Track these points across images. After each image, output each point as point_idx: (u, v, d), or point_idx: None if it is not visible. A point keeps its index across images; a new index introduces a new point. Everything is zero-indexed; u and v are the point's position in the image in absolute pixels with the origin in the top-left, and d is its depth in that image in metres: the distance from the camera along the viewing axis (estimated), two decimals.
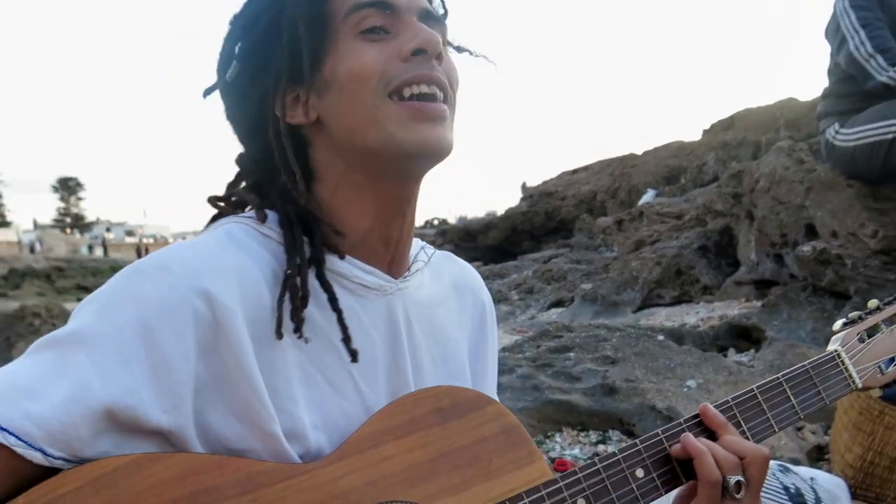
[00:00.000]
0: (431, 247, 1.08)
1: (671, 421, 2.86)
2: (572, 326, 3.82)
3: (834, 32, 3.60)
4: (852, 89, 3.57)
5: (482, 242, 10.58)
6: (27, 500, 0.70)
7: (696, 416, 0.99)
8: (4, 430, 0.70)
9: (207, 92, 0.96)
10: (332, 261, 0.89)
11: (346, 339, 0.88)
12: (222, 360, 0.79)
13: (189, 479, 0.74)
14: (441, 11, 0.96)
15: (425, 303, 1.00)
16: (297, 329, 0.84)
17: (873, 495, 2.33)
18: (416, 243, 1.04)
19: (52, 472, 0.72)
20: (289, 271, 0.84)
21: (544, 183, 11.50)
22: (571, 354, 3.43)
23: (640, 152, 9.58)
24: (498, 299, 5.68)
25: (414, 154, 0.87)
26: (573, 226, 8.40)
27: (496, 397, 1.12)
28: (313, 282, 0.87)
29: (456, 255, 1.14)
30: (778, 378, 1.06)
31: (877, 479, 2.31)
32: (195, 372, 0.77)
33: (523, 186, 12.13)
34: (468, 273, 1.13)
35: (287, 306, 0.83)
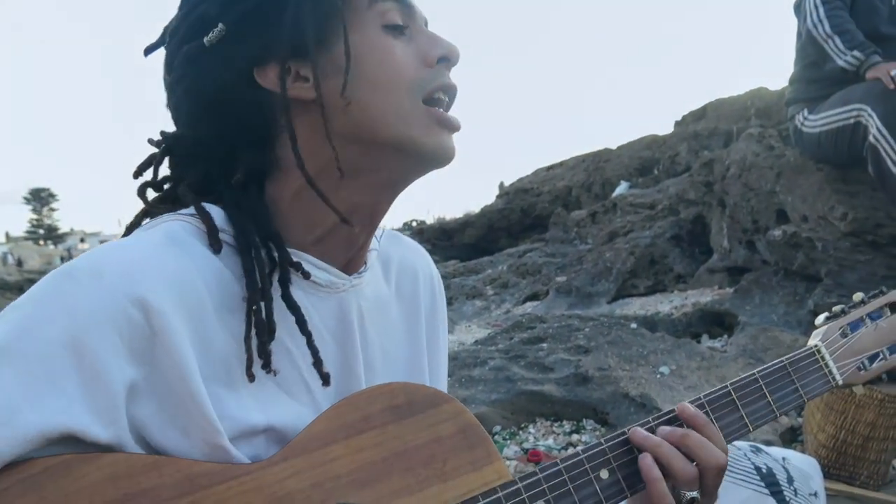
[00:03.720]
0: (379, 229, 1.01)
1: (644, 408, 2.84)
2: (545, 317, 3.79)
3: (798, 7, 3.61)
4: (818, 75, 3.58)
5: (459, 241, 10.52)
6: None
7: (669, 412, 0.94)
8: None
9: (150, 50, 0.89)
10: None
11: (318, 363, 0.83)
12: (161, 371, 0.73)
13: (123, 481, 0.69)
14: None
15: (378, 297, 0.95)
16: (266, 364, 0.78)
17: (846, 474, 2.32)
18: None
19: None
20: (254, 306, 0.78)
21: (520, 180, 11.49)
22: (544, 345, 3.39)
23: (614, 147, 9.59)
24: (472, 295, 5.64)
25: (428, 158, 0.85)
26: (549, 221, 8.38)
27: (446, 382, 1.07)
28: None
29: (433, 254, 1.08)
30: (753, 375, 1.02)
31: (849, 457, 2.30)
32: (129, 382, 0.71)
33: (501, 186, 12.11)
34: (416, 253, 1.06)
35: (254, 342, 0.77)
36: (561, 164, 10.92)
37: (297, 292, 0.83)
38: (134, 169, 0.90)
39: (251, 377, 0.77)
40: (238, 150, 0.84)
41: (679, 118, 8.07)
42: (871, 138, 3.18)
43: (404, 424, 0.83)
